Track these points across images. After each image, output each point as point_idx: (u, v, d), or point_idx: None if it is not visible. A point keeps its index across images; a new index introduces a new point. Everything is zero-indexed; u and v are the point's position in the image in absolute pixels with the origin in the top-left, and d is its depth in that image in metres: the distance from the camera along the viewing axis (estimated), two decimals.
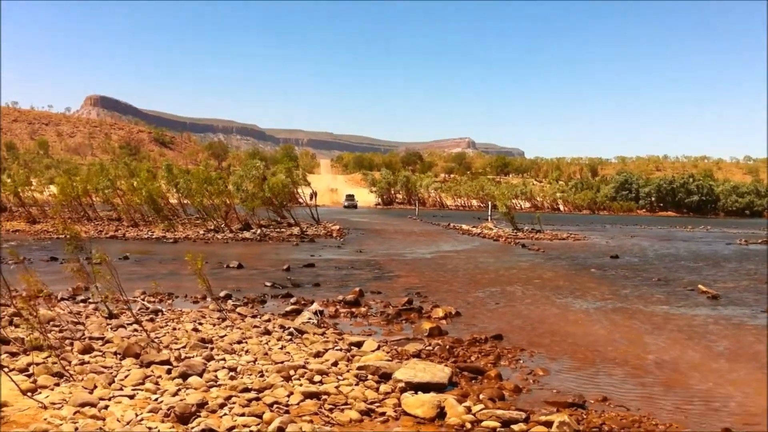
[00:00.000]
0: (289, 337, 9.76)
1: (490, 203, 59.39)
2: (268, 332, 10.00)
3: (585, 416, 6.88)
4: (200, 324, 10.44)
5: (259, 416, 6.25)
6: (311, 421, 6.27)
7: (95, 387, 6.83)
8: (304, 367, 7.95)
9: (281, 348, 9.05)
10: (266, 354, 8.61)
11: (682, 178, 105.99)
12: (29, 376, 7.01)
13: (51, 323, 9.46)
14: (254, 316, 11.44)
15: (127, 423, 5.92)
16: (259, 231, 31.89)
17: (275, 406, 6.60)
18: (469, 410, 6.72)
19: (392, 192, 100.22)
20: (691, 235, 46.62)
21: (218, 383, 7.22)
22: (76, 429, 5.73)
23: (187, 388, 6.93)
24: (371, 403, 6.94)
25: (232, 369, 7.78)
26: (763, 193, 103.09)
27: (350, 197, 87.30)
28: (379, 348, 9.31)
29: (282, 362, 8.15)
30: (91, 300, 11.88)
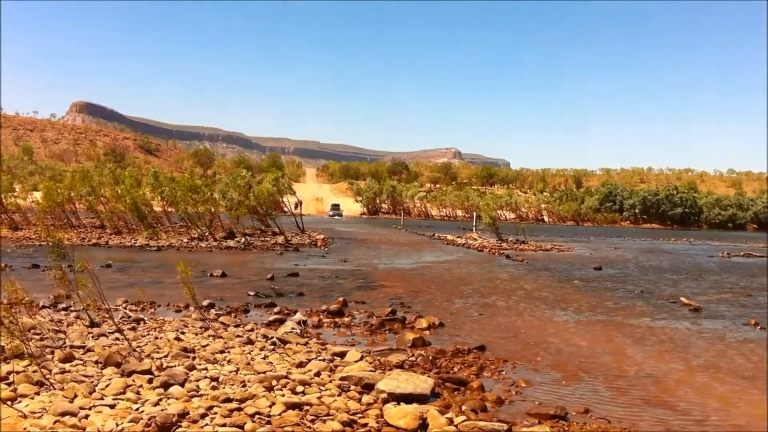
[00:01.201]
0: (272, 347, 9.73)
1: (475, 214, 59.71)
2: (250, 342, 9.96)
3: (567, 428, 6.92)
4: (183, 333, 10.38)
5: (241, 427, 6.22)
6: None
7: (76, 396, 6.76)
8: (286, 377, 7.92)
9: (264, 358, 9.01)
10: (249, 364, 8.57)
11: (667, 191, 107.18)
12: (9, 384, 6.93)
13: (32, 331, 9.35)
14: (237, 326, 11.39)
15: None
16: (243, 239, 31.77)
17: (257, 416, 6.56)
18: (451, 421, 6.72)
19: (378, 201, 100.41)
20: (675, 247, 47.04)
21: (200, 393, 7.17)
22: None
23: (169, 398, 6.88)
24: (353, 414, 6.91)
25: (214, 379, 7.74)
26: (746, 206, 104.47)
27: (336, 206, 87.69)
28: (362, 358, 9.29)
29: (264, 372, 8.11)
30: (72, 308, 11.78)
